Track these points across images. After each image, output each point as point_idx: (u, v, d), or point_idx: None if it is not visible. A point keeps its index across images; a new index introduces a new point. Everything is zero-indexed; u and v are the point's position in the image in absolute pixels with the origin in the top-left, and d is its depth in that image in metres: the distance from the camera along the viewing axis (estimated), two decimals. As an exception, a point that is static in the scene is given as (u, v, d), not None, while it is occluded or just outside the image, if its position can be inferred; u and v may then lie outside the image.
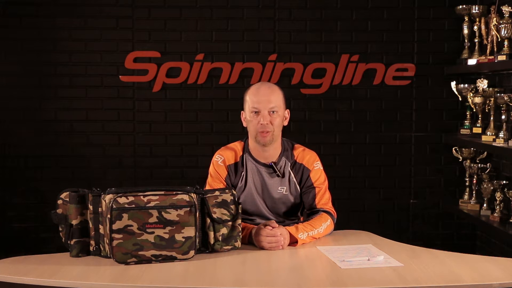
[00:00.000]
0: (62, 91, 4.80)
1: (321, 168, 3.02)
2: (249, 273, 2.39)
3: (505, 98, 3.93)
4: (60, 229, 2.58)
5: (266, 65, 4.78)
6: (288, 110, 2.99)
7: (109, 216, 2.42)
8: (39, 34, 4.75)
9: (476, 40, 4.52)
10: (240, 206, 2.65)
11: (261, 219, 2.92)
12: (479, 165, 4.50)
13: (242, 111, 2.98)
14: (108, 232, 2.43)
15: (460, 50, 4.71)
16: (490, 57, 4.16)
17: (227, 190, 2.65)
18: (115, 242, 2.41)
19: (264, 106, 2.87)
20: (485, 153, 4.50)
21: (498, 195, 4.17)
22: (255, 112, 2.88)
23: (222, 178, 2.94)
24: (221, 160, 2.96)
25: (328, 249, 2.67)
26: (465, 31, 4.60)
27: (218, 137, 4.78)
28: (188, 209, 2.47)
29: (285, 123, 2.98)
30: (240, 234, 2.64)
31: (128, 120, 4.84)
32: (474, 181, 4.55)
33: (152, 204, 2.44)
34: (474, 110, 4.49)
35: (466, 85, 4.46)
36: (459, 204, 4.63)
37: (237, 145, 3.01)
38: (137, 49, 4.78)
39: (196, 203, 2.51)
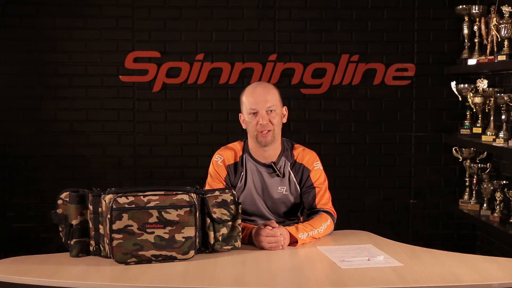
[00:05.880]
0: (62, 91, 4.80)
1: (321, 168, 3.01)
2: (249, 273, 2.38)
3: (505, 98, 3.93)
4: (60, 229, 2.58)
5: (266, 65, 4.78)
6: (285, 107, 2.99)
7: (109, 216, 2.42)
8: (39, 34, 4.75)
9: (476, 40, 4.52)
10: (240, 206, 2.65)
11: (261, 219, 2.92)
12: (479, 165, 4.49)
13: (240, 113, 2.98)
14: (108, 232, 2.43)
15: (460, 50, 4.71)
16: (490, 57, 4.16)
17: (227, 190, 2.65)
18: (115, 242, 2.41)
19: (262, 107, 2.87)
20: (485, 153, 4.50)
21: (498, 195, 4.17)
22: (253, 113, 2.88)
23: (221, 178, 2.94)
24: (221, 160, 2.97)
25: (328, 249, 2.67)
26: (465, 31, 4.60)
27: (218, 137, 4.78)
28: (188, 209, 2.47)
29: (284, 120, 2.99)
30: (240, 234, 2.64)
31: (128, 120, 4.84)
32: (474, 181, 4.55)
33: (152, 204, 2.44)
34: (474, 110, 4.49)
35: (466, 85, 4.46)
36: (459, 204, 4.63)
37: (237, 145, 3.01)
38: (137, 49, 4.78)
39: (196, 203, 2.51)
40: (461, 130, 4.57)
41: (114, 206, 2.41)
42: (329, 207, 2.97)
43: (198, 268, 2.41)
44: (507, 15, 3.95)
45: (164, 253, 2.45)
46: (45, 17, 4.74)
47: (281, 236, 2.67)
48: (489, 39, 4.33)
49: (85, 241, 2.55)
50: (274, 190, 2.96)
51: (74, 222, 2.54)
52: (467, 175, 4.62)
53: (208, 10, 4.80)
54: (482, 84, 4.26)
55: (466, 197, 4.61)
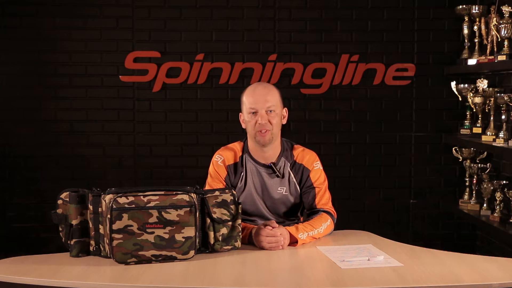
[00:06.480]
0: (62, 91, 4.80)
1: (321, 168, 3.01)
2: (249, 273, 2.39)
3: (505, 98, 3.93)
4: (60, 229, 2.58)
5: (266, 65, 4.78)
6: (286, 108, 3.00)
7: (109, 216, 2.42)
8: (39, 34, 4.75)
9: (476, 40, 4.52)
10: (240, 206, 2.65)
11: (261, 219, 2.92)
12: (479, 165, 4.49)
13: (240, 113, 2.98)
14: (108, 232, 2.43)
15: (460, 50, 4.71)
16: (490, 57, 4.16)
17: (227, 190, 2.65)
18: (115, 242, 2.41)
19: (261, 106, 2.87)
20: (485, 153, 4.50)
21: (498, 195, 4.17)
22: (253, 112, 2.88)
23: (221, 178, 2.94)
24: (221, 160, 2.97)
25: (328, 249, 2.67)
26: (465, 31, 4.60)
27: (218, 137, 4.78)
28: (188, 209, 2.47)
29: (284, 122, 2.99)
30: (240, 234, 2.64)
31: (128, 120, 4.84)
32: (474, 181, 4.55)
33: (152, 204, 2.44)
34: (474, 110, 4.49)
35: (466, 85, 4.46)
36: (459, 204, 4.63)
37: (237, 146, 3.01)
38: (137, 49, 4.78)
39: (196, 203, 2.51)
40: (461, 130, 4.57)
41: (114, 206, 2.41)
42: (329, 207, 2.97)
43: (198, 268, 2.41)
44: (507, 15, 3.95)
45: (164, 253, 2.45)
46: (45, 17, 4.74)
47: (281, 236, 2.67)
48: (489, 39, 4.33)
49: (85, 241, 2.55)
50: (274, 191, 2.96)
51: (74, 222, 2.54)
52: (467, 175, 4.62)
53: (208, 10, 4.80)
54: (482, 84, 4.26)
55: (466, 197, 4.61)
